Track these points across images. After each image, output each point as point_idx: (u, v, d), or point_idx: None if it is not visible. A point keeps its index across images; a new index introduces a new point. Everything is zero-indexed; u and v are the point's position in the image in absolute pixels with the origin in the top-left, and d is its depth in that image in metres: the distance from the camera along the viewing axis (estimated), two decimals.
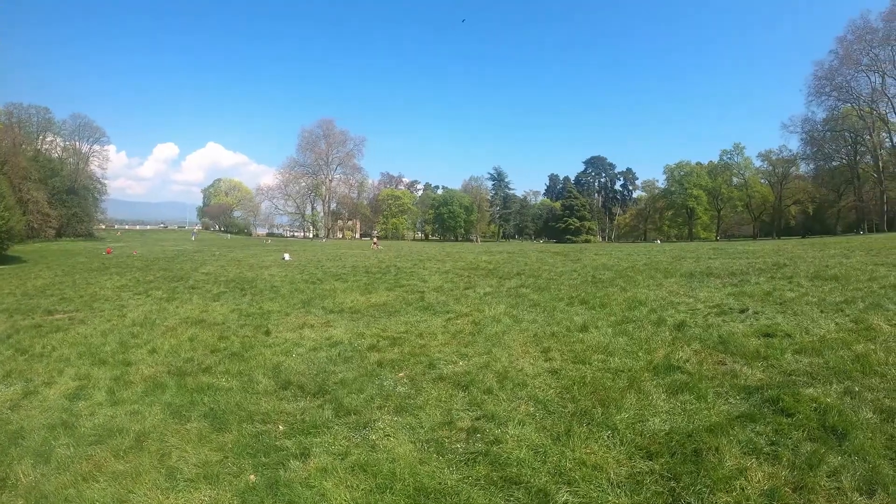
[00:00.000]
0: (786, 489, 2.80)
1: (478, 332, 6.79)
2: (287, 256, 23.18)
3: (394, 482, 3.13)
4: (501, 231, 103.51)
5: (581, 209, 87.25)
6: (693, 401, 3.99)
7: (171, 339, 7.20)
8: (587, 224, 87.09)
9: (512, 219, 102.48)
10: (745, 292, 8.26)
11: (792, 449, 3.18)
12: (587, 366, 5.08)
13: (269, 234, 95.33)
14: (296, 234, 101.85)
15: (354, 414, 4.25)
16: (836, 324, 5.79)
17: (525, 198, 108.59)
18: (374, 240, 52.96)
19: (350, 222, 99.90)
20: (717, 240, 67.27)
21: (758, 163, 72.89)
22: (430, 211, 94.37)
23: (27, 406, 4.87)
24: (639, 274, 11.95)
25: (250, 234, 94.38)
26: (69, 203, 56.30)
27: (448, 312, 8.39)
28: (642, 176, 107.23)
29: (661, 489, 2.91)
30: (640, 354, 5.31)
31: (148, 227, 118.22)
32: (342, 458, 3.49)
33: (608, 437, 3.53)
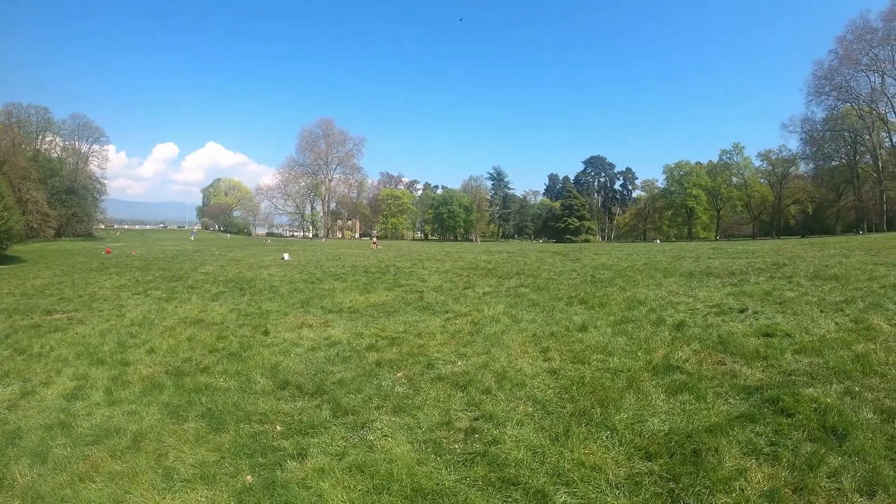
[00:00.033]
0: (786, 490, 2.78)
1: (476, 332, 6.78)
2: (286, 256, 23.17)
3: (391, 483, 3.12)
4: (501, 231, 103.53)
5: (580, 209, 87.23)
6: (692, 401, 3.97)
7: (170, 339, 7.18)
8: (587, 224, 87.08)
9: (511, 218, 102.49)
10: (745, 292, 8.25)
11: (792, 449, 3.16)
12: (586, 366, 5.06)
13: (269, 234, 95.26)
14: (295, 233, 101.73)
15: (352, 414, 4.23)
16: (836, 323, 5.78)
17: (525, 197, 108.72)
18: (374, 239, 52.88)
19: (350, 222, 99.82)
20: (717, 239, 67.34)
21: (757, 162, 73.06)
22: (430, 211, 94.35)
23: (25, 406, 4.85)
24: (638, 273, 11.94)
25: (250, 234, 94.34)
26: (68, 203, 56.27)
27: (447, 312, 8.37)
28: (642, 176, 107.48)
29: (660, 490, 2.90)
30: (640, 354, 5.30)
31: (147, 226, 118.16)
32: (339, 459, 3.47)
33: (607, 437, 3.52)
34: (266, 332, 7.44)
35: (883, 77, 53.84)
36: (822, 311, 6.41)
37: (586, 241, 76.19)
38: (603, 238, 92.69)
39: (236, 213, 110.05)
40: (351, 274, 14.57)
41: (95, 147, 68.01)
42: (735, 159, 73.83)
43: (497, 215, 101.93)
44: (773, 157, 70.02)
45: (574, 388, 4.45)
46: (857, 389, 3.88)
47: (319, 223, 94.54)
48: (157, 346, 6.78)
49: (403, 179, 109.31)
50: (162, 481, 3.33)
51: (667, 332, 6.07)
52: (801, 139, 64.49)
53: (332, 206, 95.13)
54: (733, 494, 2.79)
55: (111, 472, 3.48)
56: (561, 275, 12.68)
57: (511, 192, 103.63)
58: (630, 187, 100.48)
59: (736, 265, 12.30)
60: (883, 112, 55.15)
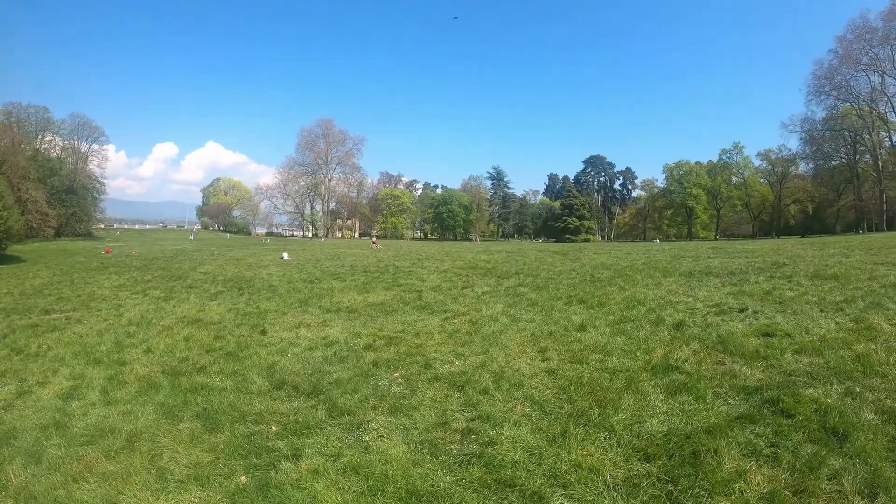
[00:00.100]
0: (786, 492, 2.74)
1: (475, 332, 6.75)
2: (286, 256, 23.16)
3: (386, 484, 3.08)
4: (501, 230, 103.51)
5: (580, 208, 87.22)
6: (691, 401, 3.94)
7: (167, 339, 7.15)
8: (586, 223, 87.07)
9: (511, 218, 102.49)
10: (745, 291, 8.21)
11: (792, 451, 3.13)
12: (584, 366, 5.03)
13: (269, 234, 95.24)
14: (295, 233, 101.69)
15: (348, 414, 4.20)
16: (837, 323, 5.74)
17: (524, 197, 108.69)
18: (373, 239, 52.82)
19: (349, 221, 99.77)
20: (717, 239, 67.26)
21: (757, 162, 73.01)
22: (430, 210, 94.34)
23: (20, 406, 4.82)
24: (637, 273, 11.90)
25: (249, 234, 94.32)
26: (68, 202, 56.22)
27: (445, 312, 8.34)
28: (642, 175, 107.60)
29: (659, 492, 2.86)
30: (639, 354, 5.26)
31: (147, 226, 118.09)
32: (334, 460, 3.44)
33: (605, 438, 3.48)
34: (264, 332, 7.41)
35: (883, 76, 53.84)
36: (822, 311, 6.38)
37: (586, 240, 76.17)
38: (603, 237, 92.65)
39: (236, 213, 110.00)
40: (350, 273, 14.54)
41: (95, 147, 68.17)
42: (735, 159, 73.83)
43: (497, 215, 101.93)
44: (773, 157, 70.01)
45: (572, 388, 4.42)
46: (857, 390, 3.85)
47: (319, 223, 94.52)
48: (154, 346, 6.75)
49: (403, 179, 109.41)
50: (156, 482, 3.30)
51: (666, 332, 6.04)
52: (800, 139, 64.57)
53: (332, 205, 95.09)
54: (732, 497, 2.75)
55: (105, 472, 3.46)
56: (560, 274, 12.65)
57: (511, 191, 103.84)
58: (630, 187, 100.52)
59: (735, 265, 12.27)
60: (883, 111, 55.14)
